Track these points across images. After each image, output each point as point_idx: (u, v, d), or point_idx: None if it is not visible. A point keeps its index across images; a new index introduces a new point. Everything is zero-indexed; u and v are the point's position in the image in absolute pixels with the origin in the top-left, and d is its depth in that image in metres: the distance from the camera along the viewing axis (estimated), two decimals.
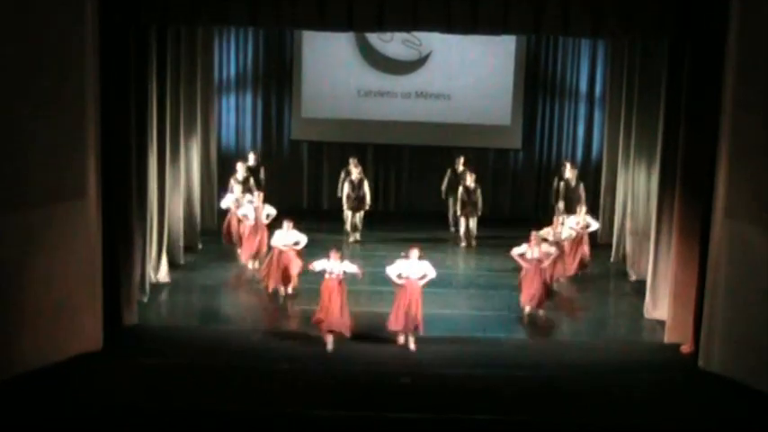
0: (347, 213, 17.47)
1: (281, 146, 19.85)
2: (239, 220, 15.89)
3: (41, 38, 11.11)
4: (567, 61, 19.33)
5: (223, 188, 17.19)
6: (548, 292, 13.73)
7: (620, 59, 16.64)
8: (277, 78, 19.52)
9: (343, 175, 17.77)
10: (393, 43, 18.99)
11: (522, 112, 19.40)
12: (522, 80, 19.27)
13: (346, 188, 17.40)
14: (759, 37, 11.33)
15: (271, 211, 15.52)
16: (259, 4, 12.21)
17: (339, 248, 12.91)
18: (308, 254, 14.04)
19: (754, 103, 11.42)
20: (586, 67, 19.24)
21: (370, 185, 17.65)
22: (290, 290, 14.21)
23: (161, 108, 14.35)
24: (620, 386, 11.61)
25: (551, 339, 13.31)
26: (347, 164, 17.74)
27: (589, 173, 18.43)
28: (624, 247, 16.19)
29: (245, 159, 17.49)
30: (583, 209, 15.66)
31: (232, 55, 19.33)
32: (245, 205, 15.75)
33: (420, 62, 19.21)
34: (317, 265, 12.48)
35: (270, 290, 14.15)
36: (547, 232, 14.65)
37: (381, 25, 12.61)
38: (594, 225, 15.70)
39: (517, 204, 19.86)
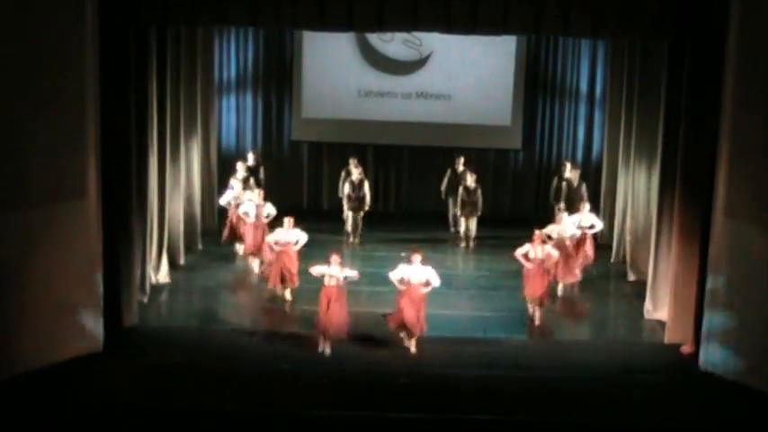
0: (347, 214, 17.47)
1: (282, 146, 19.85)
2: (239, 218, 15.86)
3: (41, 38, 11.11)
4: (567, 62, 19.33)
5: (223, 188, 17.18)
6: (550, 293, 13.68)
7: (620, 60, 16.63)
8: (277, 79, 19.52)
9: (343, 175, 17.77)
10: (393, 43, 18.98)
11: (522, 113, 19.40)
12: (523, 80, 19.26)
13: (347, 188, 17.39)
14: (759, 37, 11.33)
15: (271, 210, 15.50)
16: (259, 4, 12.21)
17: (340, 252, 12.81)
18: (308, 254, 14.03)
19: (754, 103, 11.42)
20: (586, 68, 19.24)
21: (370, 186, 17.64)
22: (288, 294, 14.13)
23: (161, 108, 14.35)
24: (620, 386, 11.61)
25: (551, 340, 13.30)
26: (347, 164, 17.74)
27: (589, 173, 18.41)
28: (624, 248, 16.17)
29: (244, 159, 17.49)
30: (586, 207, 15.57)
31: (232, 55, 19.33)
32: (246, 203, 15.74)
33: (420, 62, 19.20)
34: (317, 270, 12.39)
35: (272, 286, 14.10)
36: (551, 230, 14.61)
37: (381, 25, 12.61)
38: (599, 225, 15.59)
39: (517, 205, 19.86)
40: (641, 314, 13.99)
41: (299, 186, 19.85)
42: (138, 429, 10.40)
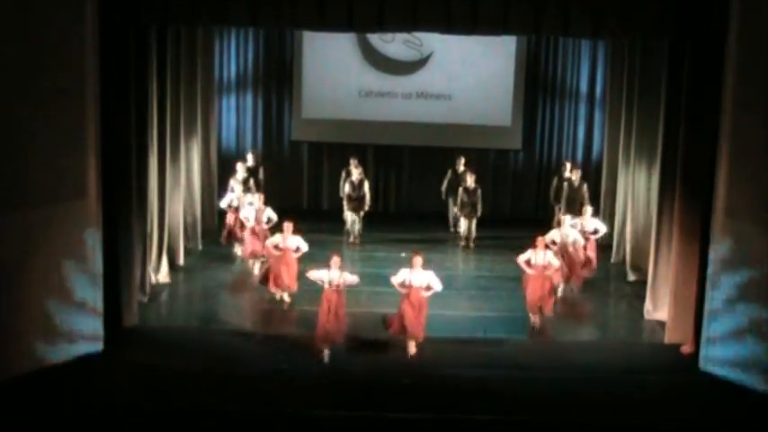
0: (347, 214, 17.46)
1: (282, 146, 19.86)
2: (237, 221, 15.83)
3: (41, 38, 11.11)
4: (567, 62, 19.35)
5: (223, 189, 17.19)
6: (553, 299, 13.64)
7: (620, 60, 16.64)
8: (277, 79, 19.54)
9: (344, 175, 17.77)
10: (394, 44, 18.99)
11: (522, 113, 19.41)
12: (523, 81, 19.28)
13: (346, 188, 17.39)
14: (759, 37, 11.33)
15: (272, 215, 15.40)
16: (259, 4, 12.20)
17: (340, 254, 12.69)
18: (308, 254, 13.99)
19: (754, 103, 11.42)
20: (587, 68, 19.26)
21: (370, 186, 17.64)
22: (286, 297, 14.08)
23: (161, 108, 14.35)
24: (620, 386, 11.61)
25: (551, 340, 13.29)
26: (348, 164, 17.74)
27: (589, 173, 18.41)
28: (624, 248, 16.16)
29: (244, 160, 17.49)
30: (589, 211, 15.49)
31: (232, 55, 19.35)
32: (246, 207, 15.71)
33: (421, 63, 19.21)
34: (314, 275, 12.27)
35: (273, 290, 14.07)
36: (554, 234, 14.49)
37: (381, 25, 12.60)
38: (602, 229, 15.46)
39: (517, 205, 19.88)
40: (641, 314, 13.98)
41: (299, 186, 19.87)
42: (138, 429, 10.39)
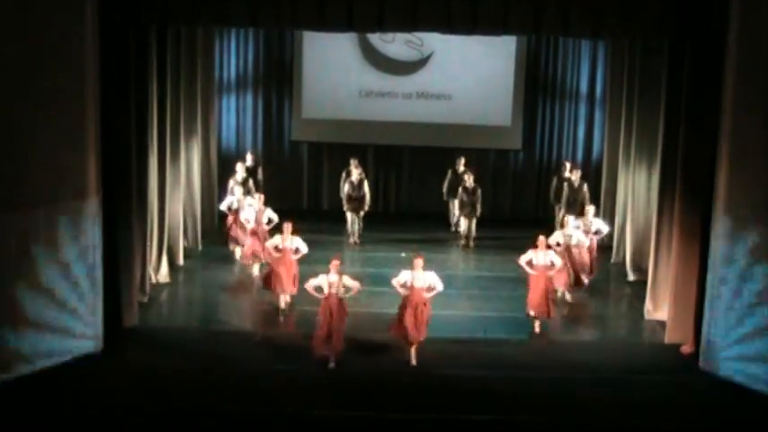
0: (347, 214, 17.46)
1: (282, 146, 19.86)
2: (237, 223, 15.80)
3: (41, 38, 11.11)
4: (567, 62, 19.36)
5: (223, 189, 17.18)
6: (554, 300, 13.58)
7: (620, 60, 16.63)
8: (277, 79, 19.54)
9: (344, 175, 17.76)
10: (394, 44, 18.99)
11: (522, 113, 19.42)
12: (523, 81, 19.28)
13: (346, 189, 17.40)
14: (759, 37, 11.32)
15: (272, 215, 15.36)
16: (259, 4, 12.21)
17: (340, 258, 12.51)
18: (308, 255, 13.98)
19: (754, 103, 11.42)
20: (587, 68, 19.26)
21: (370, 186, 17.64)
22: (287, 298, 13.99)
23: (161, 108, 14.35)
24: (620, 386, 11.61)
25: (552, 340, 13.29)
26: (348, 165, 17.74)
27: (589, 173, 18.41)
28: (624, 248, 16.16)
29: (244, 160, 17.49)
30: (591, 210, 15.43)
31: (232, 55, 19.35)
32: (246, 209, 15.67)
33: (421, 63, 19.21)
34: (313, 283, 12.08)
35: (274, 295, 14.02)
36: (558, 236, 14.39)
37: (381, 26, 12.62)
38: (605, 229, 15.44)
39: (517, 205, 19.88)
40: (641, 314, 13.99)
41: (299, 187, 19.87)
42: (138, 429, 10.39)
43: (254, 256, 15.27)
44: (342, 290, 12.00)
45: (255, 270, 15.31)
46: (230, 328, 13.42)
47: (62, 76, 11.35)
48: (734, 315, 11.80)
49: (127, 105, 12.52)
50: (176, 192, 15.52)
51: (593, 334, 13.83)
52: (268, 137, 19.74)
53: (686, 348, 12.61)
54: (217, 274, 15.66)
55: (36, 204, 11.32)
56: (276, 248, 13.86)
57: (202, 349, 12.42)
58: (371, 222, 17.72)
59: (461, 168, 17.88)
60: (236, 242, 15.98)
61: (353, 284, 12.14)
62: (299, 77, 19.34)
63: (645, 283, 14.23)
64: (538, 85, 19.44)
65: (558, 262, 13.45)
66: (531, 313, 13.29)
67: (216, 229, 17.20)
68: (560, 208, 17.44)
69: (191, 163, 16.58)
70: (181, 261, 15.79)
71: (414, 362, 12.07)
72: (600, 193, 17.69)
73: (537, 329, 13.25)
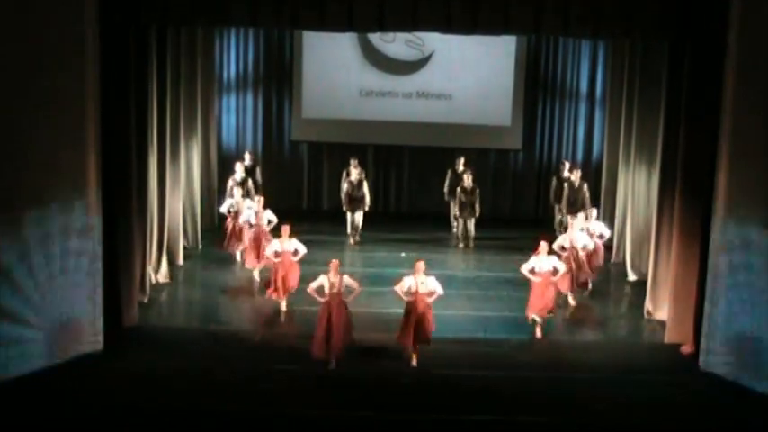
0: (348, 214, 17.45)
1: (282, 146, 19.85)
2: (239, 226, 15.76)
3: (41, 38, 11.11)
4: (567, 62, 19.35)
5: (223, 188, 17.17)
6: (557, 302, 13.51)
7: (620, 60, 16.65)
8: (277, 79, 19.53)
9: (344, 175, 17.76)
10: (395, 43, 18.98)
11: (522, 113, 19.41)
12: (523, 81, 19.27)
13: (345, 188, 17.40)
14: (759, 37, 11.33)
15: (272, 217, 15.30)
16: (259, 4, 12.21)
17: (339, 259, 12.39)
18: (308, 255, 14.00)
19: (754, 103, 11.42)
20: (586, 68, 19.25)
21: (370, 186, 17.64)
22: (283, 306, 13.89)
23: (161, 108, 14.35)
24: (620, 386, 11.61)
25: (551, 339, 13.29)
26: (348, 165, 17.73)
27: (589, 173, 18.40)
28: (624, 248, 16.16)
29: (243, 160, 17.48)
30: (593, 213, 15.38)
31: (232, 55, 19.35)
32: (245, 211, 15.62)
33: (421, 62, 19.20)
34: (313, 285, 12.03)
35: (269, 295, 13.99)
36: (563, 240, 14.28)
37: (381, 26, 12.62)
38: (607, 233, 15.37)
39: (517, 205, 19.87)
40: (641, 314, 13.99)
41: (299, 187, 19.86)
42: (138, 429, 10.40)
43: (256, 258, 15.17)
44: (344, 289, 11.98)
45: (256, 275, 15.24)
46: (230, 329, 13.41)
47: (62, 76, 11.36)
48: (733, 315, 11.80)
49: (127, 105, 12.52)
50: (176, 192, 15.52)
51: (594, 334, 13.82)
52: (268, 137, 19.73)
53: (686, 348, 12.61)
54: (217, 274, 15.66)
55: (36, 204, 11.31)
56: (275, 254, 13.83)
57: (202, 349, 12.42)
58: (371, 222, 17.72)
59: (461, 168, 17.87)
60: (236, 245, 15.91)
61: (354, 284, 12.13)
62: (299, 77, 19.33)
63: (645, 283, 14.23)
64: (538, 85, 19.44)
65: (562, 267, 13.31)
66: (533, 317, 13.13)
67: (216, 230, 17.19)
68: (560, 208, 17.45)
69: (191, 163, 16.58)
70: (181, 261, 15.79)
71: (414, 362, 12.06)
72: (600, 193, 17.70)
73: (539, 334, 13.15)
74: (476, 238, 17.39)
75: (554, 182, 18.05)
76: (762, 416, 11.05)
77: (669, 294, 13.13)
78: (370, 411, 10.81)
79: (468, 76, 19.13)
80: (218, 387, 11.28)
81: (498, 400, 11.20)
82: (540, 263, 13.09)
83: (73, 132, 11.60)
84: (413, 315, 11.96)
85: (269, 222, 15.30)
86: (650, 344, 13.23)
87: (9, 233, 11.15)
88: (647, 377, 11.90)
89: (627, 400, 11.27)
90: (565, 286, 14.07)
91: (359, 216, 17.39)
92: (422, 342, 12.08)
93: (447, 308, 13.42)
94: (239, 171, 16.89)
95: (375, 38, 18.88)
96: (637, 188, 15.75)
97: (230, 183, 16.75)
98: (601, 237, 15.16)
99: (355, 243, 17.34)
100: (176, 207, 15.56)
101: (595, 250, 14.89)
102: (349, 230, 17.45)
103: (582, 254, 14.34)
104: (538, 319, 13.13)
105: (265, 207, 15.39)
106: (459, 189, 17.25)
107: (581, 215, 15.20)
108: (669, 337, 13.00)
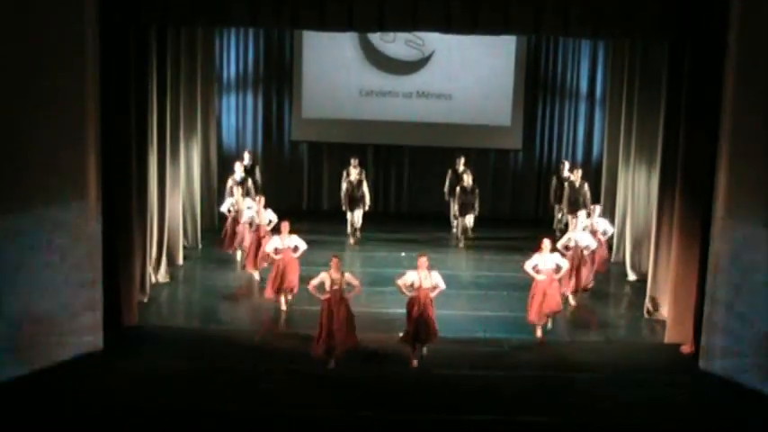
0: (348, 214, 17.45)
1: (282, 146, 19.86)
2: (238, 226, 15.75)
3: (41, 38, 11.11)
4: (567, 62, 19.37)
5: (223, 188, 17.16)
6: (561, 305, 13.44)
7: (621, 59, 16.65)
8: (277, 78, 19.54)
9: (344, 175, 17.77)
10: (395, 43, 19.00)
11: (522, 113, 19.43)
12: (523, 81, 19.29)
13: (345, 188, 17.40)
14: (759, 37, 11.33)
15: (272, 216, 15.28)
16: (259, 4, 12.21)
17: (339, 256, 12.42)
18: (308, 255, 14.01)
19: (754, 103, 11.42)
20: (587, 68, 19.27)
21: (370, 186, 17.65)
22: (289, 297, 13.97)
23: (161, 108, 14.35)
24: (620, 386, 11.61)
25: (551, 339, 13.28)
26: (349, 165, 17.73)
27: (589, 173, 18.41)
28: (624, 248, 16.16)
29: (242, 160, 17.48)
30: (597, 210, 15.32)
31: (232, 55, 19.36)
32: (246, 211, 15.62)
33: (422, 62, 19.22)
34: (315, 282, 11.96)
35: (269, 296, 13.98)
36: (568, 239, 14.22)
37: (381, 26, 12.62)
38: (610, 230, 15.34)
39: (517, 205, 19.89)
40: (641, 314, 13.99)
41: (299, 187, 19.88)
42: (138, 429, 10.39)
43: (256, 258, 15.14)
44: (345, 287, 11.97)
45: (256, 274, 15.22)
46: (230, 329, 13.41)
47: (62, 76, 11.36)
48: (734, 315, 11.80)
49: (127, 105, 12.53)
50: (176, 192, 15.52)
51: (594, 334, 13.82)
52: (268, 137, 19.75)
53: (686, 348, 12.61)
54: (217, 274, 15.67)
55: (36, 204, 11.31)
56: (276, 251, 13.83)
57: (202, 349, 12.41)
58: (371, 222, 17.72)
59: (461, 168, 17.88)
60: (236, 246, 15.89)
61: (355, 282, 12.11)
62: (299, 77, 19.34)
63: (645, 283, 14.23)
64: (538, 85, 19.45)
65: (565, 264, 13.27)
66: (536, 321, 13.03)
67: (216, 230, 17.19)
68: (560, 208, 17.45)
69: (191, 163, 16.58)
70: (181, 261, 15.79)
71: (414, 363, 12.06)
72: (600, 192, 17.70)
73: (539, 334, 13.13)
74: (476, 238, 17.39)
75: (554, 182, 18.07)
76: (762, 416, 11.05)
77: (669, 294, 13.13)
78: (370, 411, 10.81)
79: (469, 76, 19.13)
80: (218, 387, 11.28)
81: (498, 400, 11.19)
82: (543, 260, 13.03)
83: (73, 132, 11.60)
84: (415, 311, 11.96)
85: (269, 222, 15.30)
86: (650, 344, 13.23)
87: (9, 233, 11.14)
88: (647, 377, 11.89)
89: (627, 400, 11.26)
90: (568, 286, 14.07)
91: (359, 216, 17.39)
92: (429, 340, 12.05)
93: (447, 308, 13.42)
94: (239, 171, 16.90)
95: (375, 38, 18.89)
96: (637, 188, 15.75)
97: (230, 182, 16.75)
98: (604, 233, 15.15)
99: (355, 243, 17.34)
100: (176, 207, 15.56)
101: (600, 249, 14.90)
102: (349, 230, 17.46)
103: (586, 254, 14.32)
104: (539, 324, 13.12)
105: (266, 207, 15.39)
106: (459, 189, 17.26)
107: (582, 213, 15.18)
108: (669, 337, 13.00)
